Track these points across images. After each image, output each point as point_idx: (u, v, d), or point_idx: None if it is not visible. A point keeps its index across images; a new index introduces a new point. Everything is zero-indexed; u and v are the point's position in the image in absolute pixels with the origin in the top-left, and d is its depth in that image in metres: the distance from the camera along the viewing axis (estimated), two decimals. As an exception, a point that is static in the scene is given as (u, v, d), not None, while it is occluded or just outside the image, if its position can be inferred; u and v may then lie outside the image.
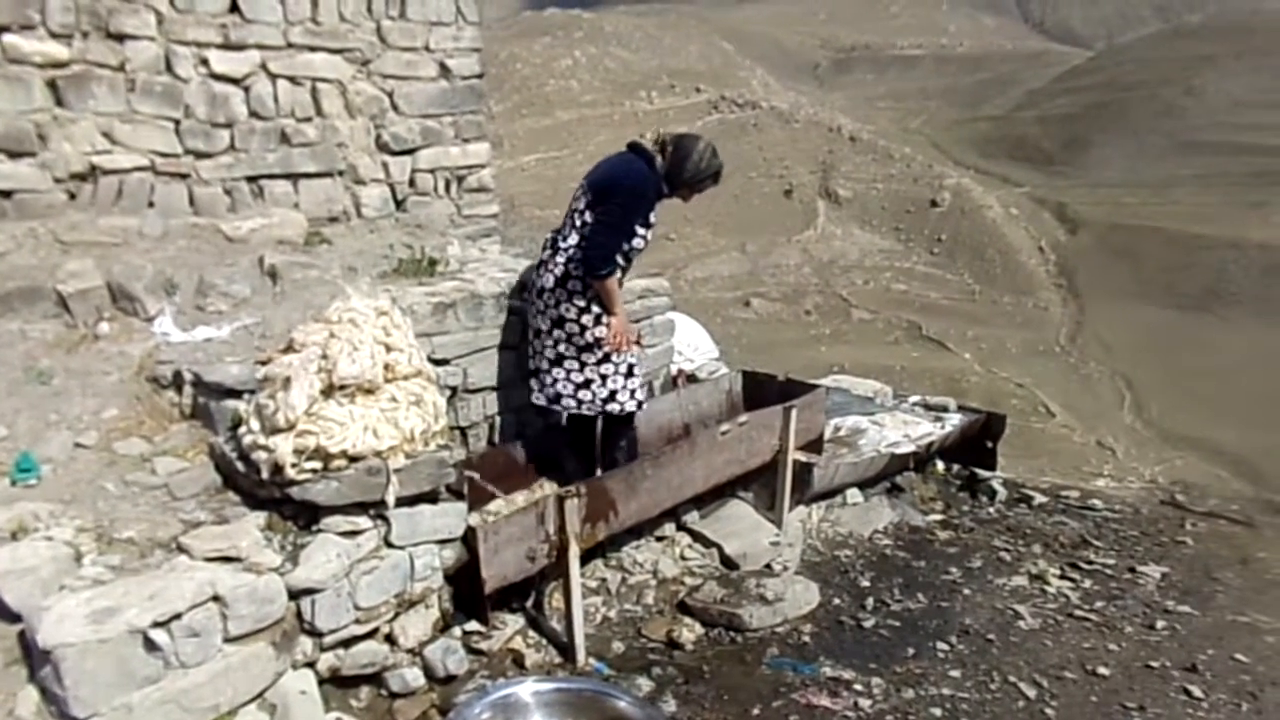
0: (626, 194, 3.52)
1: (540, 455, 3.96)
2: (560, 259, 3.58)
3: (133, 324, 3.49)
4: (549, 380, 3.69)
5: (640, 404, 3.80)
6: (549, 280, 3.60)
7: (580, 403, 3.67)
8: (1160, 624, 3.73)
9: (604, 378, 3.66)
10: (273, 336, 3.37)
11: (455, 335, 3.70)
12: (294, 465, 2.69)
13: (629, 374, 3.71)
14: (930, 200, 14.91)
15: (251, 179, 4.24)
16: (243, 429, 2.84)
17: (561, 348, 3.64)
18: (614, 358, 3.65)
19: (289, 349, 2.85)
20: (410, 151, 4.78)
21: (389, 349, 2.87)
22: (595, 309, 3.58)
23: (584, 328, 3.59)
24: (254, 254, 3.89)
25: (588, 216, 3.55)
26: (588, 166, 3.98)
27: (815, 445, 4.48)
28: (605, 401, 3.68)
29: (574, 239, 3.57)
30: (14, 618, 2.43)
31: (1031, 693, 3.26)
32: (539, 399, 3.75)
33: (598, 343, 3.61)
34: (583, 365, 3.63)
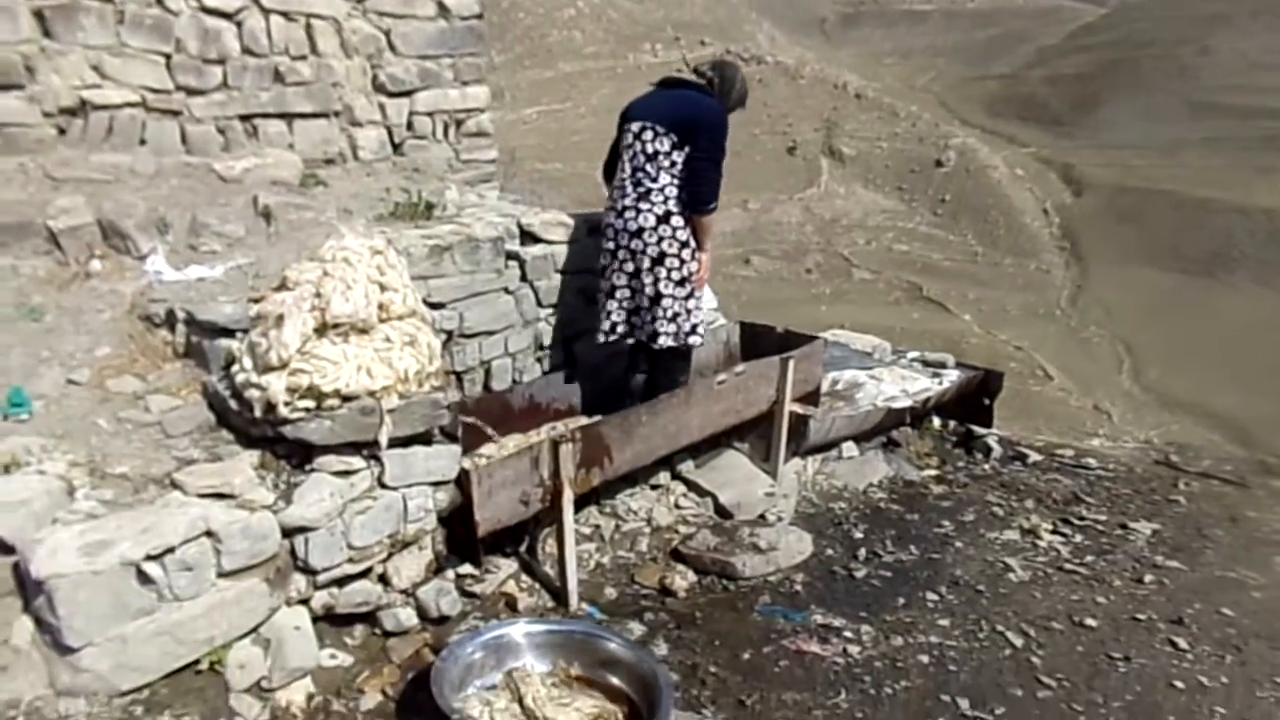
0: (715, 128, 3.73)
1: (552, 398, 4.06)
2: (658, 198, 3.75)
3: (124, 262, 3.45)
4: (649, 318, 3.87)
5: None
6: (649, 220, 3.75)
7: (669, 335, 3.88)
8: (1149, 578, 3.77)
9: (689, 311, 3.90)
10: (266, 277, 3.33)
11: (451, 279, 3.67)
12: (287, 404, 2.68)
13: (701, 309, 4.00)
14: (935, 160, 14.76)
15: (245, 118, 4.16)
16: (235, 367, 2.83)
17: (661, 285, 3.82)
18: (696, 292, 3.91)
19: (282, 287, 2.82)
20: (408, 93, 4.70)
21: (383, 288, 2.84)
22: (692, 244, 3.81)
23: (682, 262, 3.80)
24: (248, 194, 3.84)
25: (675, 156, 3.74)
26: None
27: (812, 398, 4.48)
28: (688, 334, 3.92)
29: (665, 179, 3.75)
30: (7, 550, 2.44)
31: (1019, 642, 3.30)
32: (641, 335, 3.91)
33: (689, 277, 3.84)
34: (674, 300, 3.85)
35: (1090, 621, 3.43)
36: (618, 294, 3.90)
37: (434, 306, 3.51)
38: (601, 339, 3.96)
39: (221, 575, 2.52)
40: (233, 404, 2.83)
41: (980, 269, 12.28)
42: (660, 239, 3.76)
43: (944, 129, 15.32)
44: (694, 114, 3.74)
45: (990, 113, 16.18)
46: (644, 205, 3.76)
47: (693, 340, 3.94)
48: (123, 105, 3.81)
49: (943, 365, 5.37)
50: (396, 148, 4.72)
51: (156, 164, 3.85)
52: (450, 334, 3.71)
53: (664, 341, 3.87)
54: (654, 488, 4.07)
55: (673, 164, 3.75)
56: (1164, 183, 13.05)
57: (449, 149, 4.92)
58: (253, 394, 2.72)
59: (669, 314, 3.85)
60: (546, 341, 4.16)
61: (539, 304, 4.07)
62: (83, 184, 3.60)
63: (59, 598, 2.26)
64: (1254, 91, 13.92)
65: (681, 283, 3.84)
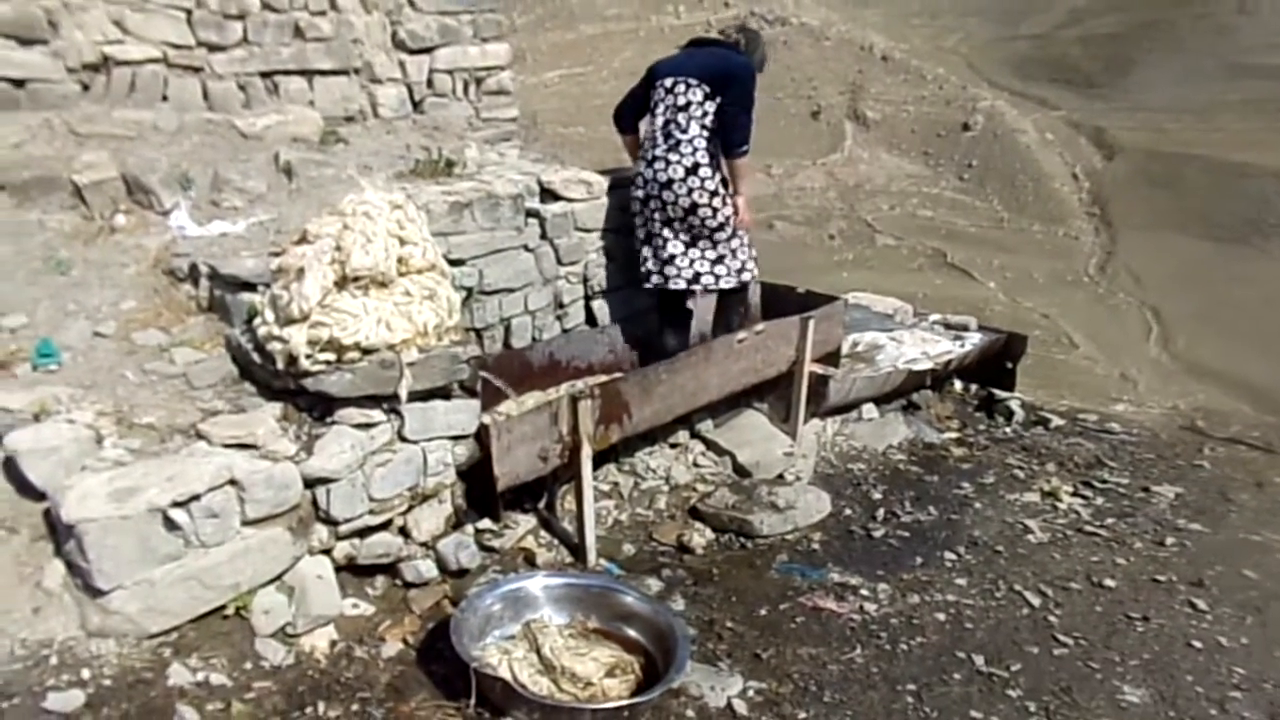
0: (746, 80, 3.88)
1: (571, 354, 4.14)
2: (686, 150, 3.86)
3: (148, 217, 3.48)
4: (685, 264, 4.01)
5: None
6: (678, 171, 3.88)
7: (718, 277, 4.05)
8: (1170, 540, 3.75)
9: (734, 251, 4.06)
10: (288, 233, 3.34)
11: (471, 235, 3.67)
12: (308, 356, 2.71)
13: (750, 245, 4.14)
14: (962, 124, 14.48)
15: (265, 74, 4.17)
16: (257, 320, 2.85)
17: (696, 231, 3.97)
18: (740, 232, 4.06)
19: (302, 240, 2.83)
20: (428, 50, 4.67)
21: (403, 242, 2.85)
22: (722, 192, 3.94)
23: (715, 210, 3.93)
24: (269, 151, 3.85)
25: (708, 106, 3.87)
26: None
27: (832, 358, 4.46)
28: (739, 272, 4.10)
29: (695, 130, 3.87)
30: (39, 495, 2.50)
31: (1036, 601, 3.30)
32: (678, 283, 4.03)
33: (728, 221, 3.98)
34: (715, 244, 4.01)
35: (1109, 582, 3.42)
36: (654, 242, 4.03)
37: (454, 263, 3.51)
38: (647, 285, 4.11)
39: (246, 523, 2.57)
40: (255, 357, 2.86)
41: (1006, 235, 12.04)
42: (690, 190, 3.88)
43: (972, 91, 14.97)
44: (725, 67, 3.89)
45: (1020, 75, 15.76)
46: (673, 156, 3.88)
47: (744, 277, 4.12)
48: (144, 61, 3.82)
49: (965, 328, 5.31)
50: (417, 105, 4.70)
51: (179, 120, 3.86)
52: (470, 291, 3.71)
53: (708, 282, 4.03)
54: (673, 446, 4.08)
55: (704, 114, 3.87)
56: (1198, 147, 12.67)
57: (469, 107, 4.90)
58: (274, 346, 2.74)
59: (710, 258, 4.02)
60: (566, 300, 4.16)
61: (559, 262, 4.06)
62: (106, 140, 3.62)
63: (88, 541, 2.31)
64: (1295, 52, 13.43)
65: (720, 228, 3.98)
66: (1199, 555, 3.65)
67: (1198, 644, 3.09)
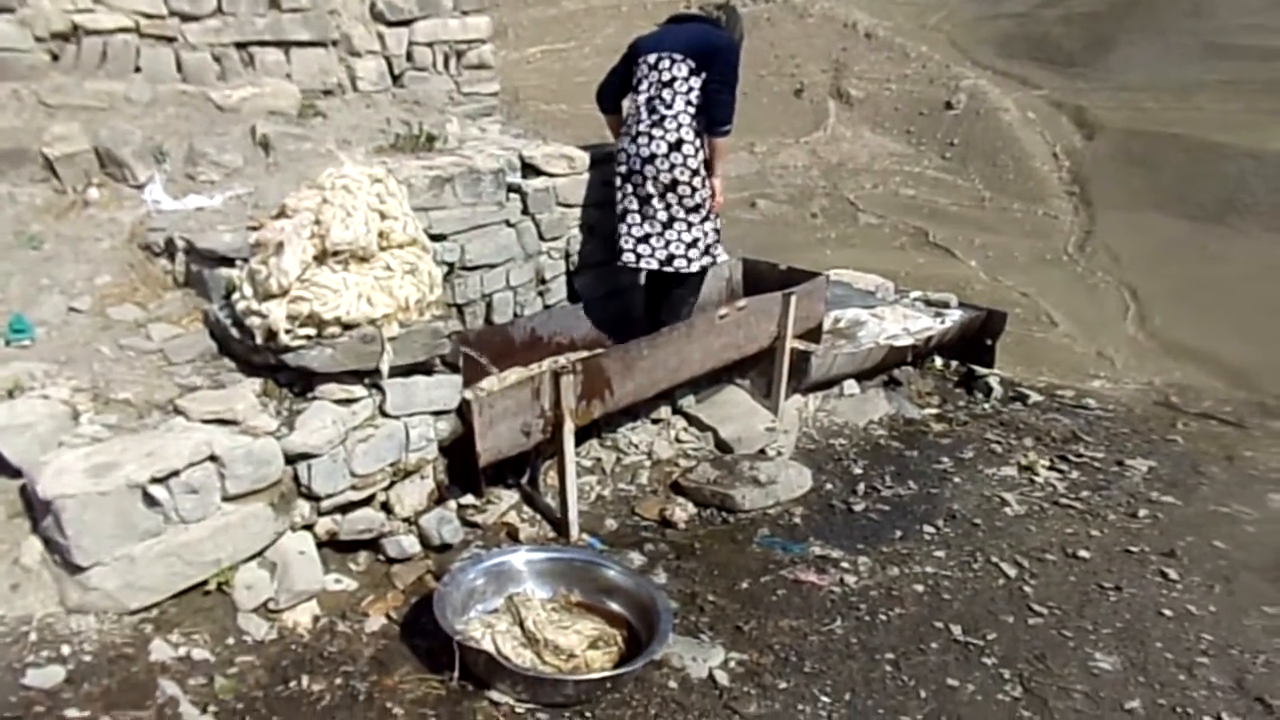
0: (730, 56, 3.84)
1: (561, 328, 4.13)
2: (671, 125, 3.81)
3: (122, 191, 3.43)
4: (661, 243, 3.96)
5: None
6: (660, 147, 3.83)
7: (689, 260, 3.99)
8: (1143, 513, 3.81)
9: (705, 235, 4.01)
10: (265, 207, 3.31)
11: (453, 211, 3.64)
12: (288, 331, 2.69)
13: (718, 230, 4.09)
14: (945, 102, 14.50)
15: (241, 45, 4.08)
16: (236, 295, 2.83)
17: (674, 210, 3.92)
18: (711, 216, 4.01)
19: (281, 214, 2.80)
20: (407, 23, 4.59)
21: (383, 216, 2.82)
22: (703, 172, 3.89)
23: (694, 189, 3.89)
24: (245, 124, 3.80)
25: (693, 82, 3.82)
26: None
27: (814, 334, 4.47)
28: (703, 255, 4.02)
29: (680, 105, 3.81)
30: (14, 473, 2.48)
31: (1012, 572, 3.35)
32: (650, 263, 3.99)
33: (704, 203, 3.94)
34: (689, 225, 3.96)
35: (1083, 553, 3.48)
36: (629, 219, 3.99)
37: (435, 238, 3.48)
38: (619, 262, 4.06)
39: (226, 499, 2.56)
40: (234, 332, 2.83)
41: (987, 214, 12.11)
42: (672, 166, 3.84)
43: (955, 70, 14.97)
44: (710, 42, 3.85)
45: (1002, 53, 15.77)
46: (656, 132, 3.84)
47: (704, 262, 4.05)
48: (116, 31, 3.74)
49: (945, 305, 5.34)
50: (396, 79, 4.63)
51: (152, 92, 3.80)
52: (451, 266, 3.69)
53: (679, 264, 3.98)
54: (655, 422, 4.10)
55: (689, 89, 3.83)
56: (1177, 126, 12.76)
57: (449, 81, 4.83)
58: (253, 321, 2.72)
59: (686, 240, 3.96)
60: (548, 275, 4.14)
61: (541, 237, 4.04)
62: (78, 111, 3.56)
63: (66, 518, 2.29)
64: (1273, 31, 13.51)
65: (695, 209, 3.94)
66: (1170, 527, 3.72)
67: (1168, 612, 3.16)
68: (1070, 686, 2.78)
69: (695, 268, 4.03)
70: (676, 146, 3.83)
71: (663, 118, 3.83)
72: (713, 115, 3.83)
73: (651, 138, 3.84)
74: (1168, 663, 2.91)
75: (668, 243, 3.97)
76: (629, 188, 3.95)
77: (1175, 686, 2.80)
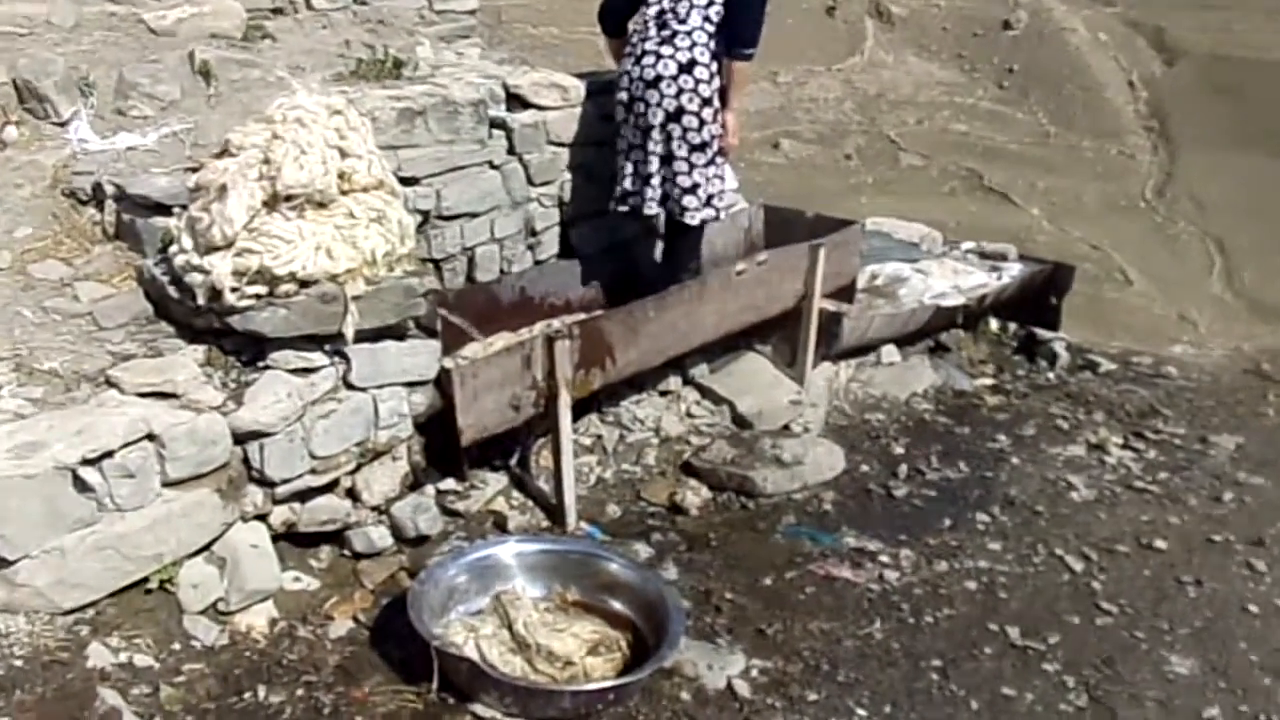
0: None
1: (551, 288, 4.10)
2: (683, 43, 3.69)
3: (43, 129, 3.44)
4: (657, 182, 3.84)
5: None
6: (669, 68, 3.70)
7: (684, 209, 3.86)
8: (1228, 496, 3.84)
9: (707, 180, 3.85)
10: (207, 145, 3.30)
11: (426, 149, 3.60)
12: (234, 289, 2.68)
13: (723, 179, 3.93)
14: (1003, 21, 14.25)
15: (176, -44, 4.05)
16: (174, 248, 2.82)
17: (674, 145, 3.79)
18: (718, 159, 3.86)
19: (224, 153, 2.79)
20: (369, -73, 4.55)
21: (344, 154, 2.80)
22: (715, 102, 3.76)
23: (703, 123, 3.76)
24: (183, 49, 3.79)
25: None
26: None
27: (846, 293, 4.46)
28: (704, 205, 3.87)
29: (696, 20, 3.70)
30: (-76, 453, 2.48)
31: (1078, 566, 3.37)
32: (651, 207, 3.89)
33: (711, 141, 3.79)
34: (691, 167, 3.81)
35: (1160, 544, 3.50)
36: (633, 155, 3.91)
37: (406, 182, 3.44)
38: (612, 206, 3.99)
39: (167, 484, 2.57)
40: (172, 291, 2.82)
41: (1052, 153, 11.97)
42: (680, 91, 3.71)
43: (1013, -17, 14.76)
44: None
45: (1071, -39, 15.51)
46: (665, 50, 3.72)
47: (706, 214, 3.91)
48: (31, -59, 3.70)
49: (1003, 258, 5.32)
50: (357, -6, 4.59)
51: (77, 14, 3.80)
52: (426, 215, 3.66)
53: (671, 209, 3.89)
54: (663, 394, 4.10)
55: (709, 3, 3.72)
56: (1272, 50, 12.57)
57: (420, -2, 4.79)
58: (194, 278, 2.71)
59: (684, 184, 3.83)
60: (539, 226, 4.11)
61: (530, 181, 4.01)
62: (-11, 38, 3.54)
63: (-13, 505, 2.30)
64: (1387, -62, 13.30)
65: (701, 147, 3.80)
66: (1260, 512, 3.74)
67: (1254, 609, 3.18)
68: (1142, 694, 2.81)
69: (695, 220, 3.90)
70: (688, 68, 3.70)
71: (674, 34, 3.72)
72: (737, 32, 3.71)
73: (659, 56, 3.72)
74: (1252, 665, 2.93)
75: (663, 181, 3.85)
76: (630, 118, 3.85)
77: (1259, 692, 2.83)
